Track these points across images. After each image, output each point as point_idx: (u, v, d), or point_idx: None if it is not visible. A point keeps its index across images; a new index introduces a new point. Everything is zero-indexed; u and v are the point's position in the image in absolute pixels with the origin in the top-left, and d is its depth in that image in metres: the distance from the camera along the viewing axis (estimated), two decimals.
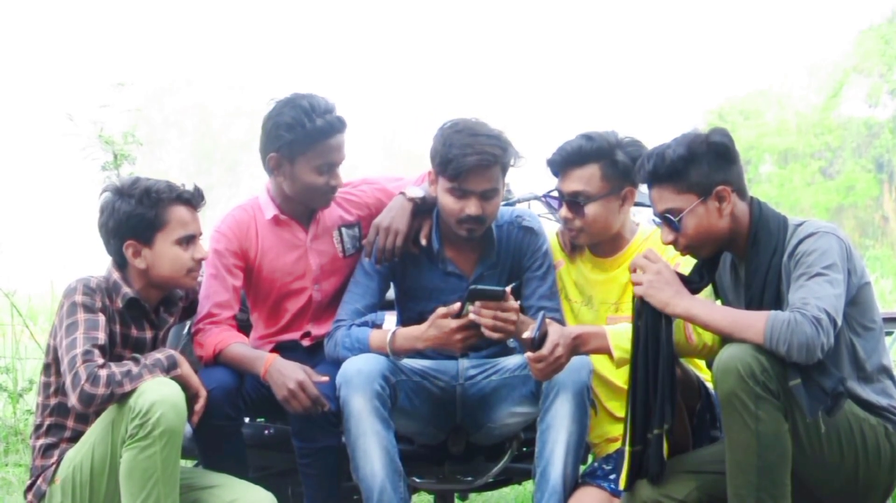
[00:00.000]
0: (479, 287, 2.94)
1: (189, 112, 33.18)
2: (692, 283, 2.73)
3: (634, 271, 2.72)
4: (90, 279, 2.86)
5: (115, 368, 2.69)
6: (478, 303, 2.89)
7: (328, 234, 3.28)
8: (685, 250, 2.76)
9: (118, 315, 2.87)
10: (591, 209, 3.06)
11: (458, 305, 2.94)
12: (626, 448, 2.71)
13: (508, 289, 2.92)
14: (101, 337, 2.75)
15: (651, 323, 2.68)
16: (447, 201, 3.06)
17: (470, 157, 2.97)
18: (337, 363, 3.04)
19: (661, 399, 2.66)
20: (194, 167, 32.01)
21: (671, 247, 2.98)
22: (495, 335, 2.92)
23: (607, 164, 3.05)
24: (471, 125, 3.05)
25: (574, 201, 3.06)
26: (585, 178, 3.05)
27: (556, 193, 3.14)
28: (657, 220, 2.81)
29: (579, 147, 3.05)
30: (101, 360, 2.69)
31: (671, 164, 2.69)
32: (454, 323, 2.94)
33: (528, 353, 2.78)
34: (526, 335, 2.81)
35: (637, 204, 3.75)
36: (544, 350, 2.75)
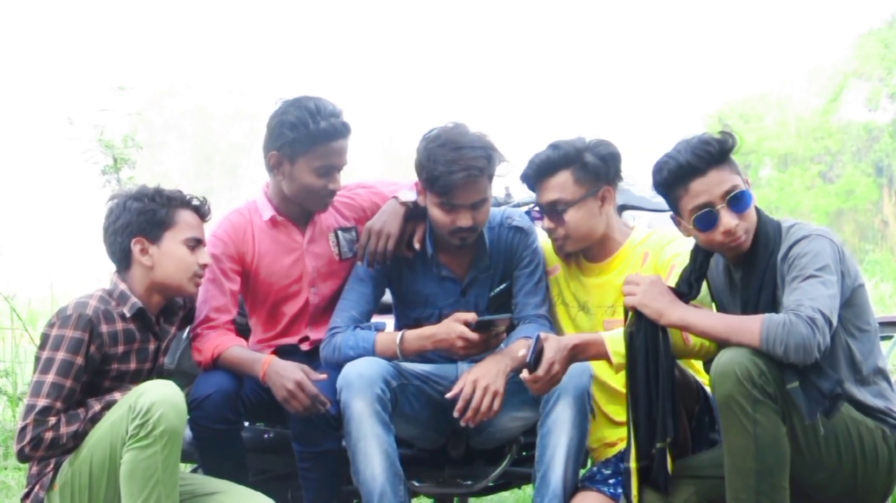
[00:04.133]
0: (486, 318, 2.98)
1: (189, 115, 33.17)
2: (682, 296, 2.74)
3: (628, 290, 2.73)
4: (88, 304, 2.83)
5: (64, 428, 2.72)
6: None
7: (325, 237, 3.29)
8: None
9: (122, 334, 2.88)
10: (570, 215, 3.08)
11: (472, 316, 2.98)
12: (633, 465, 2.69)
13: (510, 315, 3.05)
14: (69, 384, 2.75)
15: (650, 337, 2.68)
16: (437, 215, 3.07)
17: (456, 174, 2.97)
18: (338, 366, 3.05)
19: (663, 412, 2.66)
20: (194, 171, 32.00)
21: (670, 250, 3.00)
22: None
23: (578, 168, 3.07)
24: (453, 137, 3.03)
25: (553, 210, 3.09)
26: (559, 186, 3.07)
27: (536, 207, 3.17)
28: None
29: (547, 157, 3.08)
30: (52, 420, 2.72)
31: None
32: (460, 329, 2.96)
33: (525, 374, 2.79)
34: (521, 353, 2.83)
35: (635, 208, 3.76)
36: (539, 371, 2.75)
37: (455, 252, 3.20)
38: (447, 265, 3.22)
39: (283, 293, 3.27)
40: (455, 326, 2.97)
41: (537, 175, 3.10)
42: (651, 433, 2.67)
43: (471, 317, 2.98)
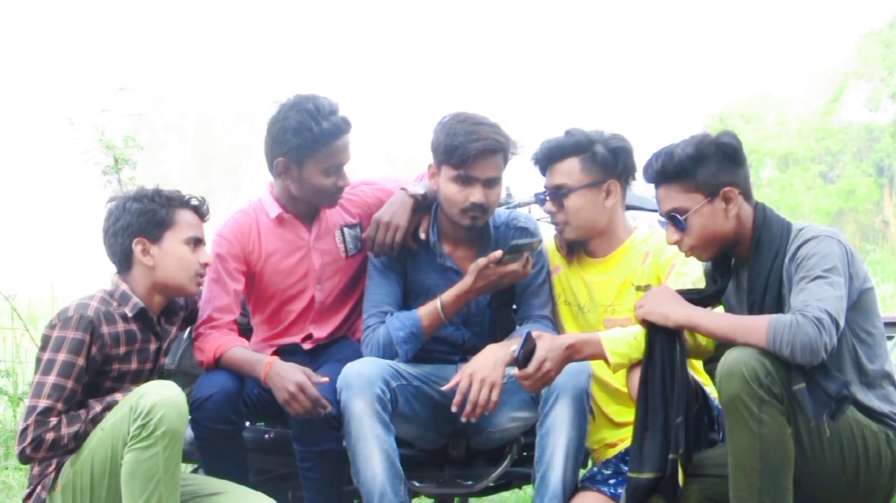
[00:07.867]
0: (519, 242, 3.04)
1: (190, 116, 33.21)
2: (706, 292, 2.74)
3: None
4: (89, 305, 2.84)
5: (65, 429, 2.73)
6: None
7: (331, 234, 3.30)
8: (690, 251, 2.77)
9: (123, 335, 2.88)
10: (571, 201, 3.11)
11: (499, 253, 3.02)
12: (644, 475, 2.67)
13: (537, 239, 3.16)
14: (70, 385, 2.76)
15: (666, 348, 2.68)
16: (451, 190, 3.08)
17: (476, 143, 3.03)
18: (393, 353, 3.07)
19: (677, 424, 2.65)
20: (195, 171, 32.03)
21: (670, 250, 2.99)
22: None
23: (586, 158, 3.11)
24: (473, 115, 3.11)
25: (555, 194, 3.12)
26: (566, 172, 3.12)
27: (544, 190, 3.20)
28: (662, 220, 2.82)
29: (558, 142, 3.14)
30: (53, 421, 2.72)
31: (679, 163, 2.71)
32: (500, 270, 3.03)
33: (514, 371, 2.79)
34: (512, 348, 2.83)
35: (636, 208, 3.77)
36: (529, 369, 2.76)
37: (459, 243, 3.21)
38: (451, 256, 3.22)
39: (289, 292, 3.27)
40: (489, 272, 3.03)
41: (546, 158, 3.14)
42: (666, 445, 2.66)
43: (494, 255, 3.03)
